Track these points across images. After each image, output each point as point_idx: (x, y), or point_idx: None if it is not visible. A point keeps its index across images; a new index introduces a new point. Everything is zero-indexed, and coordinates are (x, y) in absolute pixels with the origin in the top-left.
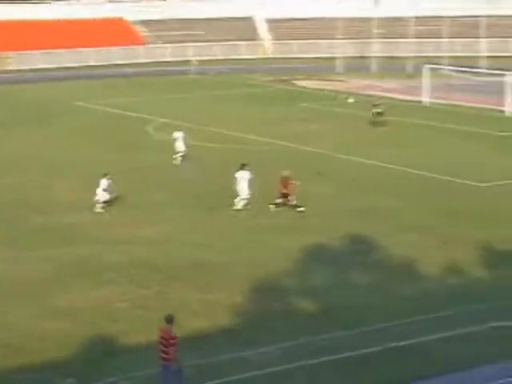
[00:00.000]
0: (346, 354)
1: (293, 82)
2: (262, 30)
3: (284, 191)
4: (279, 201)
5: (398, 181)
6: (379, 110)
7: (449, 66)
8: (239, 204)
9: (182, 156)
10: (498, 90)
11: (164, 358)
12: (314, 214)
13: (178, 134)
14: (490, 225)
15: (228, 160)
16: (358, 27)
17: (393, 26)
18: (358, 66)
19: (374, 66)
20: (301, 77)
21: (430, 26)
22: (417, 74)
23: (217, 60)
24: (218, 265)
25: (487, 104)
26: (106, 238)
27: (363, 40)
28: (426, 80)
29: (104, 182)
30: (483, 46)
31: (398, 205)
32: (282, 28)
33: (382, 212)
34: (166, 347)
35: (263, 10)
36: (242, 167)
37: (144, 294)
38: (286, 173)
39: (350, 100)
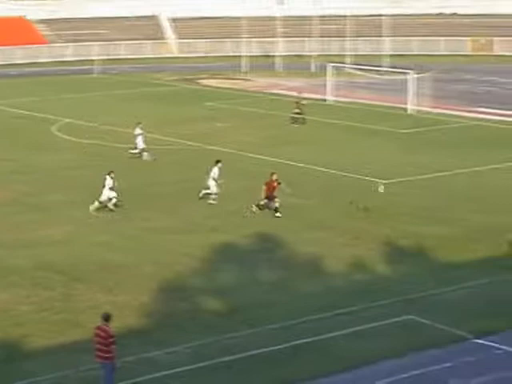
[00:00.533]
0: (253, 352)
1: (197, 81)
2: (167, 29)
3: (270, 194)
4: (263, 203)
5: (306, 179)
6: (297, 110)
7: (352, 64)
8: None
9: (140, 153)
10: (401, 88)
11: (106, 357)
12: (221, 213)
13: (139, 131)
14: (393, 221)
15: (131, 161)
16: (262, 26)
17: (297, 25)
18: (263, 64)
19: (279, 65)
20: (205, 76)
21: (334, 25)
22: (321, 72)
23: (122, 59)
24: (124, 266)
25: (390, 102)
26: (9, 240)
27: (268, 39)
28: (329, 78)
29: (109, 181)
30: (386, 45)
31: (305, 202)
32: (188, 27)
33: (289, 210)
34: (106, 346)
35: (168, 8)
36: (216, 163)
37: (49, 297)
38: (274, 176)
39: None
